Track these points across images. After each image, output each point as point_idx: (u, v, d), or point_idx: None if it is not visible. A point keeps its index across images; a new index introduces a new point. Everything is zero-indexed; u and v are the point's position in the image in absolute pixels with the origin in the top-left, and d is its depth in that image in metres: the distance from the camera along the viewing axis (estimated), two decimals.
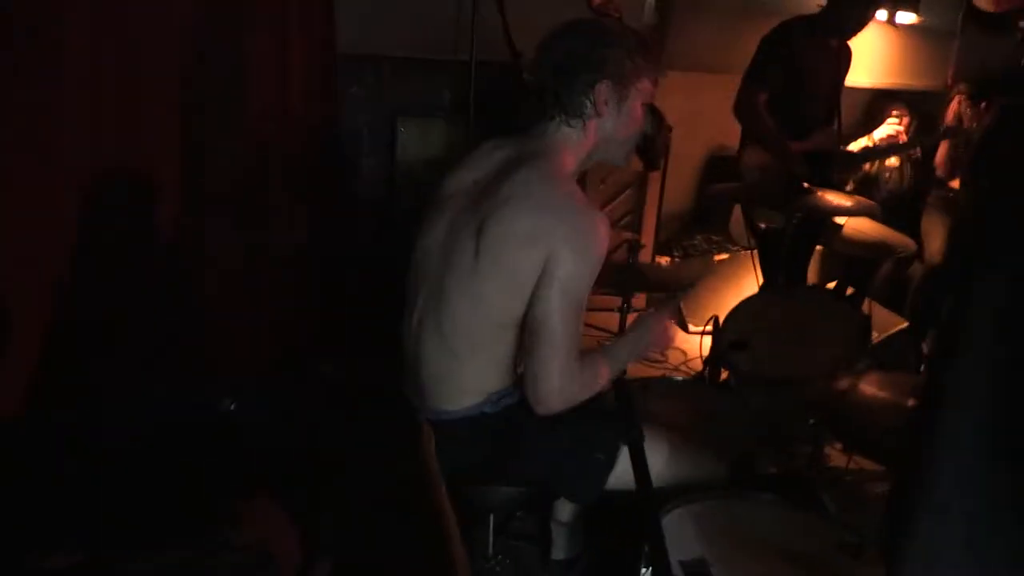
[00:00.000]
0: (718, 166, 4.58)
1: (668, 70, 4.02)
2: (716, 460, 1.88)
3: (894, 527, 1.03)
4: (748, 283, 4.17)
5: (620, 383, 1.78)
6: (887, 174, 4.32)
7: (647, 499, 1.52)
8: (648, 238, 4.26)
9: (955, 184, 3.98)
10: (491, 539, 2.02)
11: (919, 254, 3.87)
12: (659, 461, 1.78)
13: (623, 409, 1.73)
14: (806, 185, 2.81)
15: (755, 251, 3.49)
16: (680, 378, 2.35)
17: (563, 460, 1.77)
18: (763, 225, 3.14)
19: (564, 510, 2.08)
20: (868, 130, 4.32)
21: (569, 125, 1.75)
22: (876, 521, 1.71)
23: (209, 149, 2.49)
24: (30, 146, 1.88)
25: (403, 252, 1.91)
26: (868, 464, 2.14)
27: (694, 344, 3.92)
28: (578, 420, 1.75)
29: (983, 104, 3.89)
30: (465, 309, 1.70)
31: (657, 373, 3.70)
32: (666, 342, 1.90)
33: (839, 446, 2.28)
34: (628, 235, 4.24)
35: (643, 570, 1.49)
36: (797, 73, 3.27)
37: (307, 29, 2.92)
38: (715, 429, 2.10)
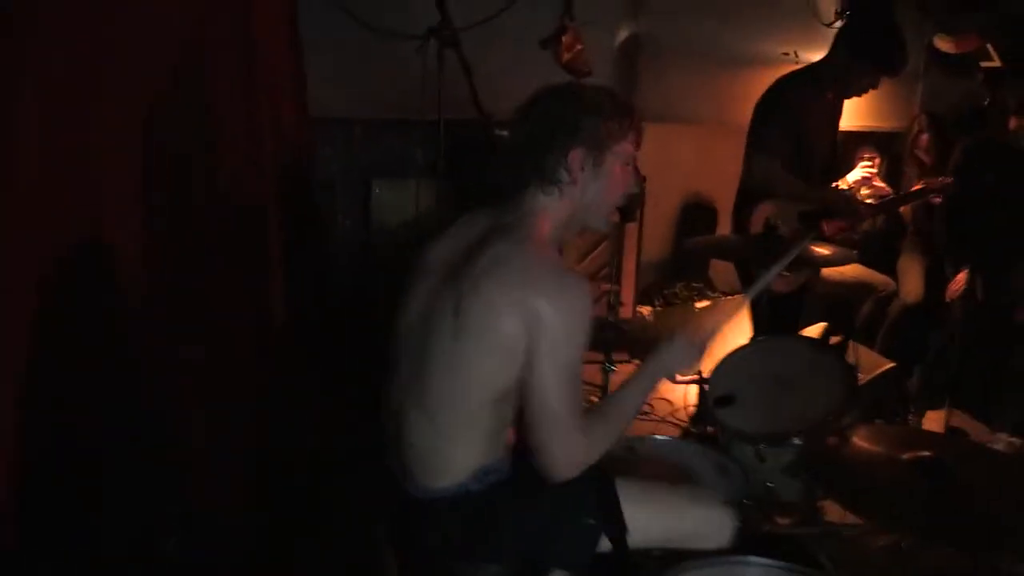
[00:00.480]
0: (693, 214, 4.60)
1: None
2: (716, 516, 1.82)
3: None
4: (732, 330, 4.17)
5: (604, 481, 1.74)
6: None
7: None
8: (628, 289, 4.24)
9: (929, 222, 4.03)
10: None
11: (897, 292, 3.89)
12: (656, 525, 1.73)
13: (606, 504, 1.70)
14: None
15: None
16: (665, 437, 2.30)
17: (552, 530, 1.71)
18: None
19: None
20: (841, 174, 4.34)
21: (544, 193, 1.72)
22: None
23: (172, 216, 2.37)
24: None
25: (381, 317, 1.87)
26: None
27: (679, 395, 3.89)
28: (564, 487, 1.70)
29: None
30: (448, 385, 1.65)
31: (645, 427, 3.67)
32: (689, 365, 1.84)
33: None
34: (607, 287, 4.23)
35: None
36: (799, 134, 3.19)
37: (278, 90, 2.90)
38: (705, 488, 2.06)
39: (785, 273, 2.75)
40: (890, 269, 4.04)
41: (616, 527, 1.67)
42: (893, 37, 3.20)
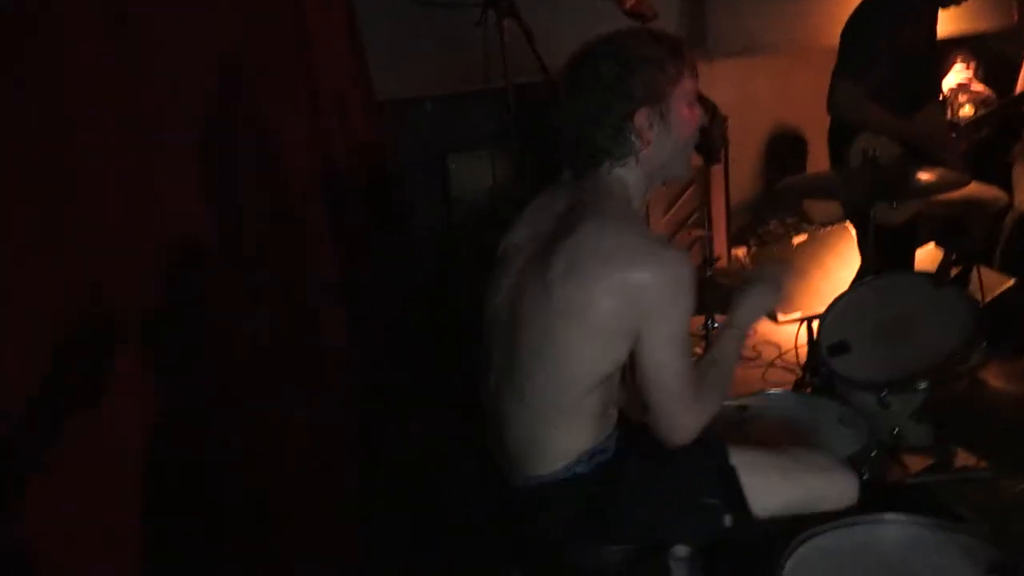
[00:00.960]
0: (781, 148, 4.40)
1: (713, 59, 3.93)
2: (837, 478, 1.74)
3: None
4: (835, 263, 4.00)
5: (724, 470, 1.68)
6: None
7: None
8: (720, 234, 4.11)
9: None
10: None
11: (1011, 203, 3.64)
12: (776, 497, 1.66)
13: (726, 482, 1.67)
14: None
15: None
16: (779, 391, 2.19)
17: (672, 511, 1.66)
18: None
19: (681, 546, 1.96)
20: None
21: (620, 166, 1.64)
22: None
23: (247, 214, 2.26)
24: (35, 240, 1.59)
25: (467, 300, 1.83)
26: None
27: (786, 335, 3.76)
28: (680, 464, 1.64)
29: None
30: (545, 373, 1.61)
31: (755, 373, 3.56)
32: (772, 306, 1.82)
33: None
34: (699, 232, 4.10)
35: None
36: (896, 56, 2.97)
37: (342, 81, 2.87)
38: (827, 443, 1.96)
39: (894, 206, 2.59)
40: (1005, 182, 3.78)
41: (738, 505, 1.62)
42: None
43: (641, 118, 1.59)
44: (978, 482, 1.91)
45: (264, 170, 2.39)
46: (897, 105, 3.00)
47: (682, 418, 1.59)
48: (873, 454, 1.92)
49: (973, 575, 1.47)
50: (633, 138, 1.60)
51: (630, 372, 1.64)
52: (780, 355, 3.70)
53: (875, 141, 2.91)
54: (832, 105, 3.03)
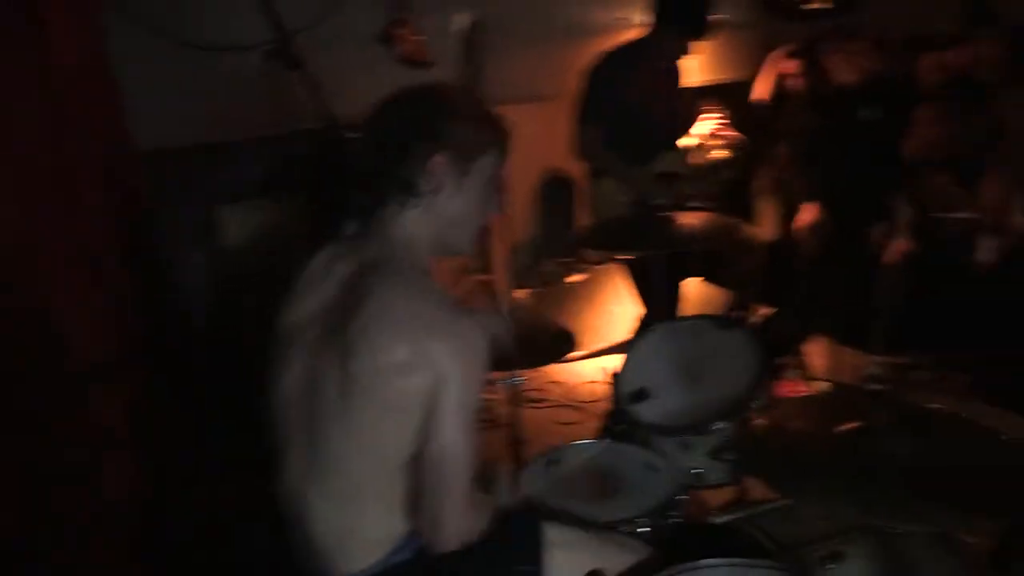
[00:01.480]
0: (553, 190, 4.54)
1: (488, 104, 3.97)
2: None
3: None
4: (610, 300, 4.16)
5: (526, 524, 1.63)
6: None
7: None
8: (501, 277, 4.13)
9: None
10: None
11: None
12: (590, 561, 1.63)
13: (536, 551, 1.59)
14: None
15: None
16: (587, 442, 2.20)
17: None
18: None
19: None
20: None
21: (406, 207, 1.55)
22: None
23: None
24: None
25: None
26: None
27: (569, 374, 3.85)
28: (495, 536, 1.56)
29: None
30: (351, 457, 1.48)
31: (544, 414, 3.58)
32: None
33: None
34: (483, 277, 4.10)
35: None
36: (629, 103, 3.20)
37: (96, 132, 2.58)
38: (636, 490, 1.98)
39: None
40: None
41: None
42: (694, 2, 3.29)
43: (441, 161, 1.52)
44: (776, 512, 2.02)
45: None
46: (635, 151, 3.22)
47: (456, 519, 1.45)
48: (680, 497, 1.96)
49: None
50: (426, 180, 1.52)
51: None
52: (566, 393, 3.76)
53: (615, 184, 3.16)
54: (575, 150, 3.20)
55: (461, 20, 3.74)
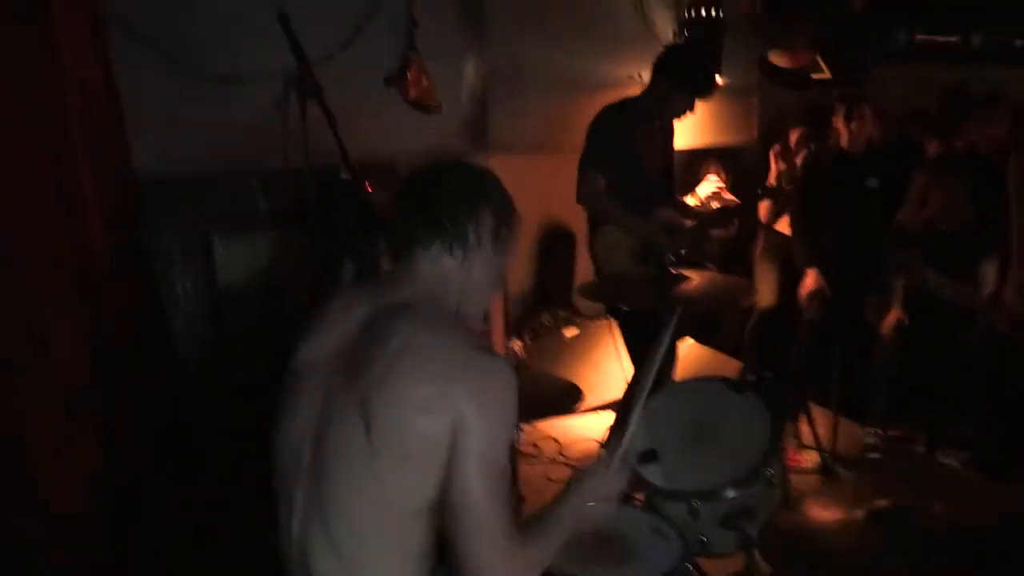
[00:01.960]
0: (552, 242, 4.52)
1: (493, 153, 3.98)
2: None
3: None
4: (603, 356, 4.11)
5: None
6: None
7: None
8: (497, 327, 4.08)
9: (780, 228, 4.13)
10: None
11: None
12: None
13: None
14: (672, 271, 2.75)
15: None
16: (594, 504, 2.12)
17: None
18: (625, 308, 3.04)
19: None
20: (689, 189, 4.40)
21: (449, 254, 1.52)
22: None
23: None
24: None
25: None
26: None
27: (564, 430, 3.77)
28: None
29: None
30: (362, 506, 1.41)
31: (537, 469, 3.49)
32: (614, 495, 1.70)
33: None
34: (479, 327, 4.05)
35: None
36: (630, 157, 3.23)
37: (97, 156, 2.54)
38: (643, 556, 1.91)
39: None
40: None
41: None
42: (700, 62, 3.40)
43: (488, 215, 1.52)
44: None
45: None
46: (632, 203, 3.22)
47: (509, 562, 1.40)
48: (688, 565, 1.89)
49: None
50: (473, 230, 1.50)
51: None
52: (560, 450, 3.68)
53: (616, 233, 3.18)
54: (579, 195, 3.22)
55: (468, 68, 3.76)
